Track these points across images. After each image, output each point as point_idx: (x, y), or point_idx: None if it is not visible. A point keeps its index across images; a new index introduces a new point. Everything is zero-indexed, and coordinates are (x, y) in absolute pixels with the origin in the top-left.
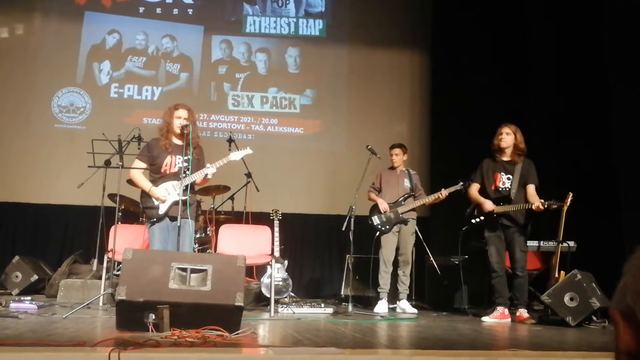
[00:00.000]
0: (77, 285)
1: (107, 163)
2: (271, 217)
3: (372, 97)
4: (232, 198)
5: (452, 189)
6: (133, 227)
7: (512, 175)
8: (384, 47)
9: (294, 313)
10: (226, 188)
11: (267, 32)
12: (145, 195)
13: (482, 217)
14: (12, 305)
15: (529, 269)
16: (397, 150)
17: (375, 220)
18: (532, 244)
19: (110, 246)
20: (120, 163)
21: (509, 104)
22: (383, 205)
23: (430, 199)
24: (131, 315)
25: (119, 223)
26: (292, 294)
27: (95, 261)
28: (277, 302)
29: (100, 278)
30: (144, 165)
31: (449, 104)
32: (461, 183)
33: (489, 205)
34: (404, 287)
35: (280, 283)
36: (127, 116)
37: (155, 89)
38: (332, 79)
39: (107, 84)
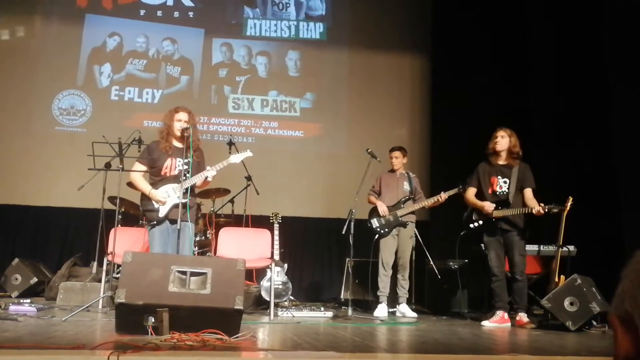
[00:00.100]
0: (77, 287)
1: (108, 166)
2: (271, 221)
3: (372, 100)
4: (232, 201)
5: (451, 192)
6: (133, 230)
7: (509, 179)
8: (384, 50)
9: (293, 317)
10: (226, 191)
11: (267, 35)
12: (145, 198)
13: (480, 222)
14: (12, 307)
15: (528, 273)
16: (396, 153)
17: (375, 223)
18: (532, 248)
19: (110, 249)
20: (121, 166)
21: (509, 105)
22: (382, 208)
23: (430, 202)
24: (131, 318)
25: (119, 226)
26: (292, 298)
27: (95, 264)
28: (276, 305)
29: (99, 281)
30: (144, 168)
31: (449, 105)
32: (460, 186)
33: (489, 206)
34: (403, 291)
35: (280, 286)
36: (128, 119)
37: (155, 92)
38: (333, 82)
39: (107, 87)
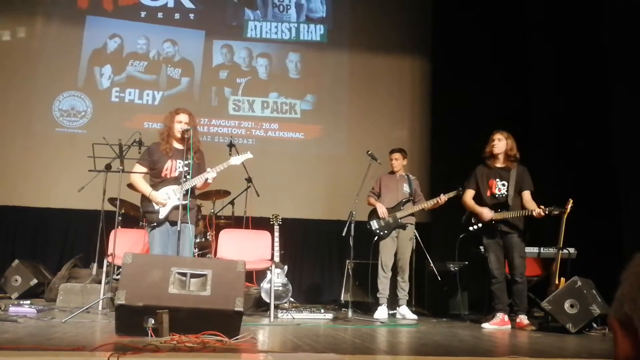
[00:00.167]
0: (77, 289)
1: (108, 167)
2: (271, 222)
3: (373, 101)
4: (232, 203)
5: (450, 194)
6: (133, 232)
7: (508, 182)
8: (384, 52)
9: (293, 318)
10: (226, 193)
11: (268, 37)
12: (145, 199)
13: (480, 224)
14: (12, 309)
15: (529, 275)
16: (396, 155)
17: (374, 225)
18: (532, 250)
19: (110, 250)
20: (121, 167)
21: (509, 105)
22: (382, 210)
23: (429, 204)
24: (130, 320)
25: (119, 227)
26: (292, 300)
27: (95, 265)
28: (276, 307)
29: (99, 282)
30: (145, 170)
31: (449, 105)
32: (460, 188)
33: (487, 214)
34: (403, 293)
35: (280, 288)
36: (128, 120)
37: (156, 94)
38: (333, 84)
39: (108, 88)
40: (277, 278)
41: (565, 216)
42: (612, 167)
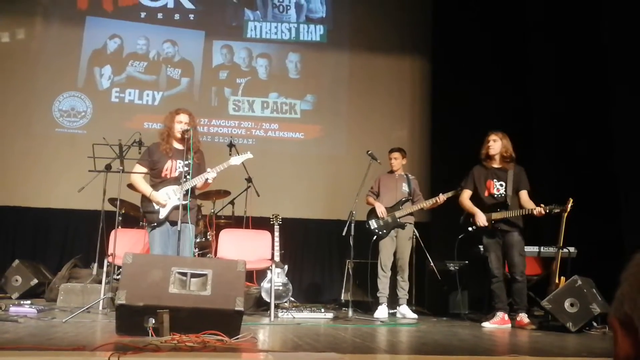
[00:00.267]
0: (77, 289)
1: (108, 167)
2: (271, 222)
3: (373, 101)
4: (232, 203)
5: (449, 193)
6: (133, 232)
7: (505, 182)
8: (384, 52)
9: (294, 318)
10: (226, 193)
11: (268, 38)
12: (145, 199)
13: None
14: (12, 309)
15: (529, 274)
16: (396, 154)
17: (373, 224)
18: (532, 249)
19: (110, 250)
20: (121, 167)
21: (509, 105)
22: (381, 209)
23: (428, 203)
24: (131, 320)
25: (119, 227)
26: (292, 299)
27: (96, 265)
28: (277, 306)
29: (100, 282)
30: (145, 170)
31: (449, 105)
32: (459, 188)
33: (482, 220)
34: (403, 292)
35: (280, 288)
36: (128, 121)
37: (156, 94)
38: (333, 84)
39: (108, 89)
40: (277, 278)
41: (566, 215)
42: (613, 167)
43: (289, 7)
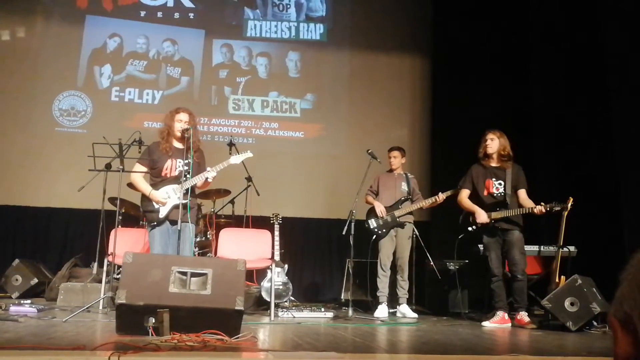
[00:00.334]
0: (77, 288)
1: (108, 166)
2: (271, 221)
3: (373, 100)
4: (232, 202)
5: (448, 192)
6: (133, 231)
7: (504, 181)
8: (384, 51)
9: (294, 317)
10: (226, 192)
11: (267, 36)
12: (145, 198)
13: (479, 224)
14: (12, 308)
15: (529, 273)
16: (395, 153)
17: (372, 223)
18: (532, 248)
19: (110, 250)
20: (121, 167)
21: (510, 104)
22: (380, 208)
23: (428, 202)
24: (131, 319)
25: (120, 226)
26: (292, 298)
27: (96, 265)
28: (277, 306)
29: (100, 281)
30: (145, 169)
31: (449, 105)
32: (458, 187)
33: (482, 217)
34: (403, 292)
35: (281, 287)
36: (128, 120)
37: (156, 93)
38: (333, 83)
39: (108, 88)
40: (277, 277)
41: (566, 214)
42: (613, 166)
43: (288, 6)
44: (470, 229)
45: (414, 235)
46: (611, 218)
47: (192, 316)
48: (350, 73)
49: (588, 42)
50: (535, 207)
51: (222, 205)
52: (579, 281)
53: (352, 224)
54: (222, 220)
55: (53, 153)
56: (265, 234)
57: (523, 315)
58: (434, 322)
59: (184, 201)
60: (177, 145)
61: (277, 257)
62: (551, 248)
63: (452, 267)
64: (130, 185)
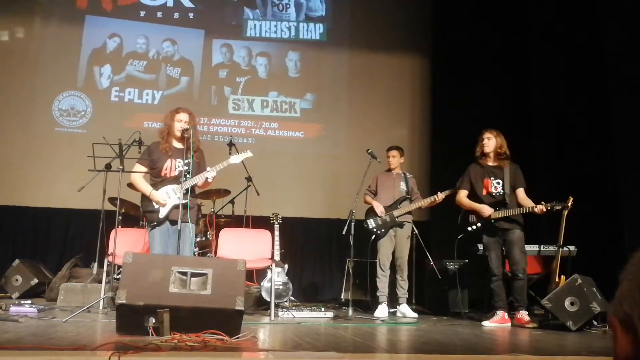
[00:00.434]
0: (77, 288)
1: (108, 167)
2: (271, 221)
3: (373, 100)
4: (232, 202)
5: (447, 192)
6: (133, 231)
7: (502, 180)
8: (384, 51)
9: (294, 317)
10: (226, 192)
11: (267, 36)
12: (145, 199)
13: (479, 224)
14: (12, 308)
15: (529, 273)
16: (393, 152)
17: (371, 223)
18: (532, 248)
19: (110, 250)
20: (121, 167)
21: (510, 104)
22: (379, 208)
23: (426, 202)
24: (131, 319)
25: (120, 227)
26: (293, 298)
27: (96, 265)
28: (277, 306)
29: (100, 282)
30: (145, 169)
31: (449, 104)
32: (457, 186)
33: (487, 210)
34: (402, 291)
35: (281, 287)
36: (128, 120)
37: (155, 93)
38: (333, 83)
39: (107, 88)
40: (277, 277)
41: (566, 213)
42: (613, 166)
43: (288, 6)
44: (470, 229)
45: (414, 235)
46: (611, 218)
47: (192, 316)
48: (350, 73)
49: (588, 42)
50: (535, 207)
51: (222, 205)
52: (579, 281)
53: (352, 223)
54: (222, 220)
55: (53, 153)
56: (265, 234)
57: (523, 314)
58: (434, 322)
59: (184, 201)
60: (177, 145)
61: (277, 257)
62: (551, 247)
63: (452, 267)
64: (130, 186)
